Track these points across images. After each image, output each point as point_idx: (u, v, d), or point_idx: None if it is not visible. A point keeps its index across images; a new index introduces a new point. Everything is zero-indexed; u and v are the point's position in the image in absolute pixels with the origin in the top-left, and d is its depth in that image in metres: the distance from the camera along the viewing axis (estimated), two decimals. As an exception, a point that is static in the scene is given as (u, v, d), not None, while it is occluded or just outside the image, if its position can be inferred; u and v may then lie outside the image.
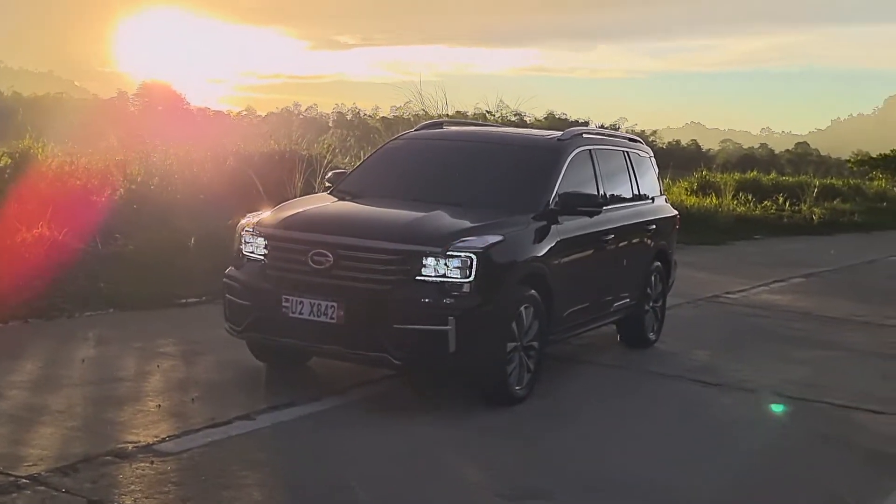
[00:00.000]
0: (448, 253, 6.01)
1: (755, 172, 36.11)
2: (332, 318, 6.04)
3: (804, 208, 26.59)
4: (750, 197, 25.93)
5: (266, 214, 6.82)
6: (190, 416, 5.75)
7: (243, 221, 6.85)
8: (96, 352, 7.23)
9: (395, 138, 8.30)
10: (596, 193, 7.56)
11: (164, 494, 4.53)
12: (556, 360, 7.56)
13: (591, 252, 7.44)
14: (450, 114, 19.61)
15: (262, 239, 6.50)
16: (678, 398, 7.10)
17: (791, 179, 34.82)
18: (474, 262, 6.02)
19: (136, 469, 4.82)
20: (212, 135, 16.62)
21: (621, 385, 7.45)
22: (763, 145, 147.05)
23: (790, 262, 16.67)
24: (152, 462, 4.93)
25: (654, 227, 8.67)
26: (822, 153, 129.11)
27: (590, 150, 7.81)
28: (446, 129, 8.41)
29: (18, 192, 11.29)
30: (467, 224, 6.34)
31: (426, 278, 6.01)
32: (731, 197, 24.97)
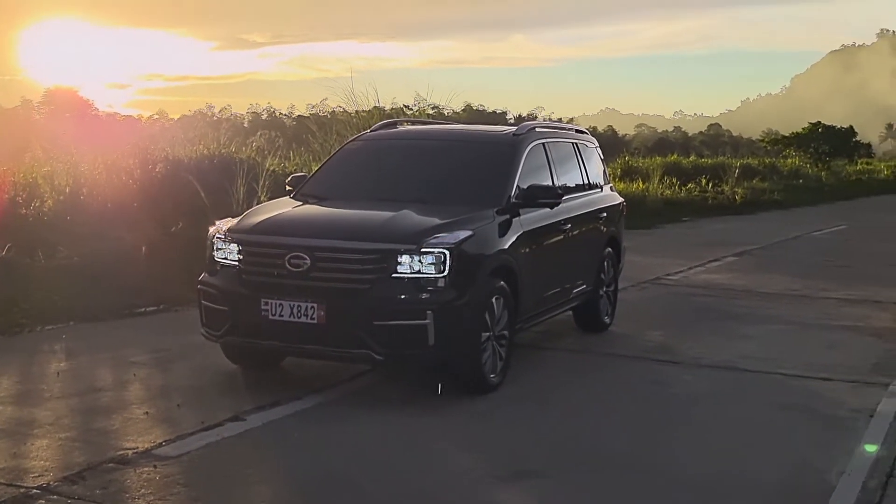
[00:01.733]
0: (422, 250, 6.22)
1: (675, 156, 37.13)
2: (313, 319, 6.19)
3: (726, 189, 27.43)
4: (675, 180, 26.67)
5: (235, 221, 6.93)
6: (179, 420, 5.85)
7: (213, 228, 6.93)
8: (68, 364, 7.24)
9: (353, 139, 8.46)
10: (553, 185, 7.83)
11: (175, 496, 4.65)
12: (520, 347, 7.78)
13: (550, 242, 7.72)
14: (380, 108, 19.66)
15: (236, 245, 6.60)
16: (642, 377, 7.42)
17: (710, 161, 35.86)
18: (447, 258, 6.24)
19: (142, 474, 4.92)
20: (128, 140, 16.32)
21: (586, 368, 7.75)
22: (677, 128, 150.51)
23: (721, 242, 17.27)
24: (155, 466, 5.03)
25: (605, 214, 9.00)
26: (734, 133, 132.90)
27: (543, 143, 8.08)
28: (401, 128, 8.61)
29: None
30: (437, 221, 6.55)
31: (402, 275, 6.21)
32: (657, 181, 25.61)
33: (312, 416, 6.12)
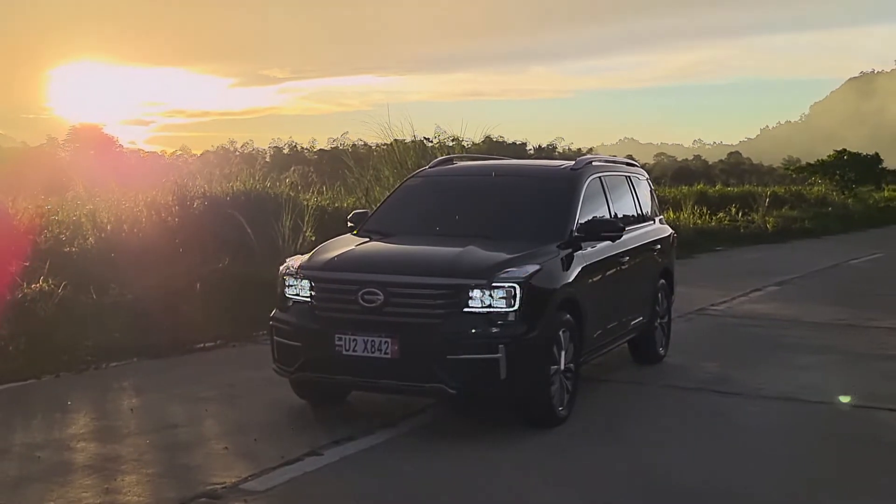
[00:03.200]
0: (493, 284, 6.32)
1: (701, 185, 37.20)
2: (387, 354, 6.30)
3: (757, 218, 27.42)
4: (705, 209, 26.71)
5: (306, 258, 7.06)
6: (259, 455, 5.96)
7: (283, 266, 7.06)
8: (139, 401, 7.38)
9: (412, 176, 8.60)
10: (614, 218, 7.94)
11: (271, 531, 4.75)
12: (580, 380, 7.87)
13: (610, 274, 7.81)
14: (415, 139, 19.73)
15: (307, 281, 6.73)
16: (705, 409, 7.45)
17: (737, 190, 35.92)
18: (518, 292, 6.34)
19: (235, 509, 5.02)
20: (155, 176, 16.45)
21: (648, 399, 7.79)
22: (697, 157, 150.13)
23: (758, 271, 17.28)
24: (246, 501, 5.14)
25: (659, 246, 9.09)
26: (755, 161, 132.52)
27: (599, 176, 8.19)
28: (458, 164, 8.75)
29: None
30: (506, 256, 6.65)
31: (473, 310, 6.31)
32: (688, 211, 25.66)
33: (387, 449, 6.21)
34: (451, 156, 9.37)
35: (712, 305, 12.87)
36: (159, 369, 8.53)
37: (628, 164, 9.46)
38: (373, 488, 5.49)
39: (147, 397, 7.48)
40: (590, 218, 7.57)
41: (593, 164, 8.26)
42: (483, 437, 6.48)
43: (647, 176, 9.69)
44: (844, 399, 6.65)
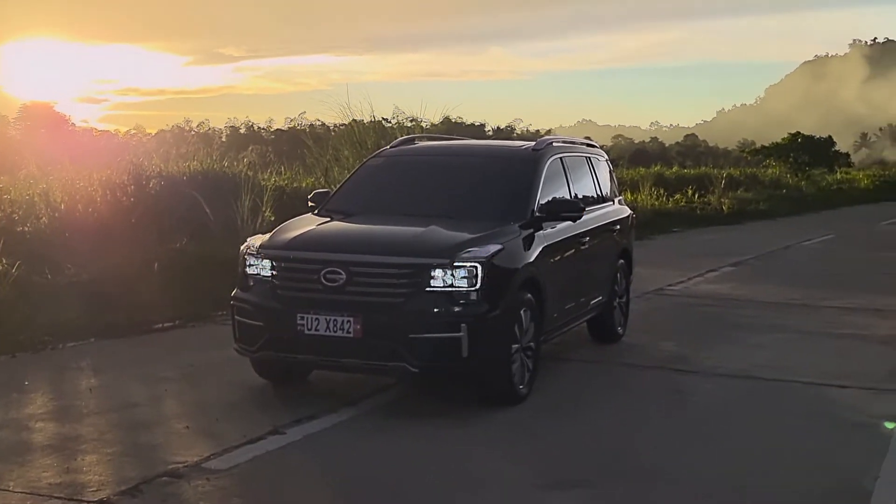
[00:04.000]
0: (455, 264, 6.36)
1: (658, 167, 37.51)
2: (350, 333, 6.31)
3: (713, 199, 27.74)
4: (661, 191, 26.96)
5: (267, 237, 7.03)
6: (221, 434, 5.95)
7: (244, 245, 7.03)
8: (98, 380, 7.32)
9: (374, 156, 8.59)
10: (575, 199, 8.00)
11: (235, 509, 4.75)
12: (540, 359, 7.94)
13: (571, 254, 7.87)
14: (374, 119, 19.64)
15: (269, 261, 6.71)
16: (663, 387, 7.56)
17: (693, 172, 36.26)
18: (479, 271, 6.38)
19: (197, 486, 5.02)
20: (108, 155, 16.22)
21: (607, 378, 7.89)
22: (654, 139, 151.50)
23: (714, 252, 17.50)
24: (208, 479, 5.13)
25: (618, 226, 9.18)
26: (710, 144, 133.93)
27: (560, 157, 8.24)
28: (421, 144, 8.75)
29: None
30: (468, 235, 6.68)
31: (435, 288, 6.35)
32: (646, 192, 25.88)
33: (350, 427, 6.23)
34: (413, 136, 9.36)
35: (669, 286, 13.04)
36: (117, 349, 8.46)
37: (588, 145, 9.52)
38: (336, 467, 5.51)
39: (105, 377, 7.43)
40: (550, 198, 7.62)
41: (554, 144, 8.31)
42: (447, 416, 6.52)
43: (606, 157, 9.76)
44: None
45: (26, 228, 12.29)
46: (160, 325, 9.49)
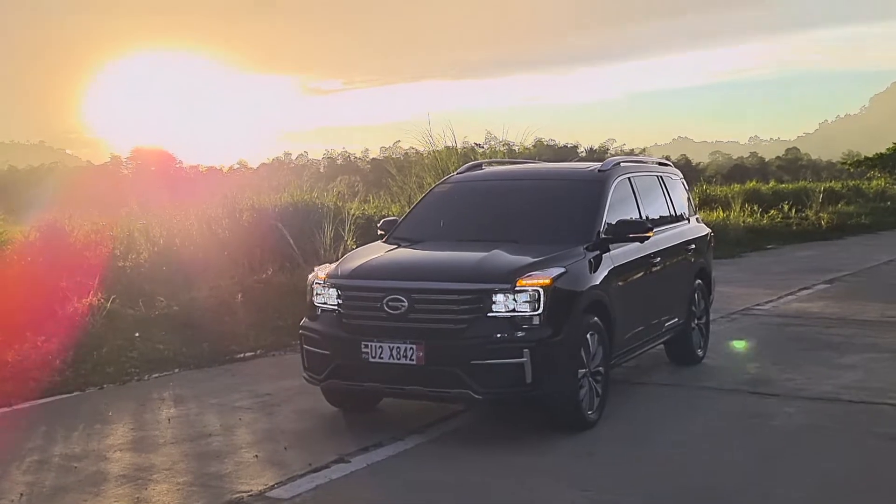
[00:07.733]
0: (516, 288, 6.33)
1: (754, 182, 36.64)
2: (413, 360, 6.35)
3: (811, 214, 26.97)
4: (756, 207, 26.34)
5: (333, 266, 7.13)
6: (288, 463, 6.03)
7: (312, 275, 7.15)
8: (177, 411, 7.51)
9: (441, 183, 8.64)
10: (643, 219, 7.89)
11: (293, 538, 4.81)
12: (614, 383, 7.78)
13: (641, 276, 7.75)
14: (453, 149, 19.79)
15: (335, 290, 6.80)
16: (741, 411, 7.34)
17: (791, 186, 35.32)
18: (541, 295, 6.34)
19: (258, 517, 5.10)
20: (214, 191, 16.76)
21: (682, 402, 7.71)
22: (753, 154, 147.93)
23: (809, 269, 17.00)
24: (271, 509, 5.21)
25: (694, 245, 9.00)
26: (813, 157, 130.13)
27: (628, 177, 8.15)
28: (487, 169, 8.77)
29: (54, 264, 11.60)
30: (530, 259, 6.65)
31: (497, 314, 6.33)
32: (739, 209, 25.33)
33: (415, 456, 6.24)
34: (480, 161, 9.39)
35: (757, 305, 12.70)
36: (199, 379, 8.68)
37: (660, 163, 9.39)
38: (398, 495, 5.53)
39: (184, 407, 7.62)
40: (618, 219, 7.54)
41: (621, 165, 8.22)
42: (512, 443, 6.48)
43: (680, 175, 9.60)
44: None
45: (127, 263, 12.77)
46: (241, 355, 9.71)
